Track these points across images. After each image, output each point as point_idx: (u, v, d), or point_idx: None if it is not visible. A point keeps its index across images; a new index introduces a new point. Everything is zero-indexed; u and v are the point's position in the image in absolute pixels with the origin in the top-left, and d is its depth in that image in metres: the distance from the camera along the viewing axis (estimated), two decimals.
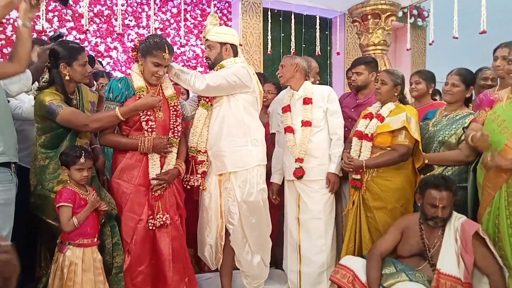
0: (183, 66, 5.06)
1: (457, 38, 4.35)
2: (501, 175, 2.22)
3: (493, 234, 2.24)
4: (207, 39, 2.66)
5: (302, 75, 2.88)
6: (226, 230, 2.64)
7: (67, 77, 2.28)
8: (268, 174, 2.88)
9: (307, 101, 2.82)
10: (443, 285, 2.18)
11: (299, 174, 2.80)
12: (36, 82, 2.48)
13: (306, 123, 2.80)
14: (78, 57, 2.29)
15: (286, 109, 2.90)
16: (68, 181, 2.22)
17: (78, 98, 2.40)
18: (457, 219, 2.30)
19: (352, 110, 3.19)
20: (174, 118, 2.47)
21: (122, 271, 2.32)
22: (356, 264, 2.38)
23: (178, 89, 2.59)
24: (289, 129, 2.86)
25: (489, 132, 2.32)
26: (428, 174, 2.62)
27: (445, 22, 4.63)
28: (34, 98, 2.33)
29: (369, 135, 2.66)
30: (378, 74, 3.04)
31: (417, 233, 2.37)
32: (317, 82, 3.22)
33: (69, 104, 2.28)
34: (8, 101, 2.28)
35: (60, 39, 2.50)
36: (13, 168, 1.93)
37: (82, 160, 2.18)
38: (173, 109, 2.47)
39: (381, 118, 2.68)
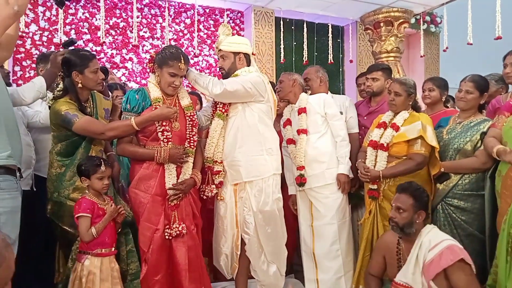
0: None
1: (471, 44, 4.32)
2: None
3: (507, 244, 2.18)
4: (220, 50, 2.69)
5: (299, 90, 3.00)
6: (242, 239, 2.66)
7: (80, 85, 2.33)
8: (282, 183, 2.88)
9: (300, 111, 2.92)
10: None
11: (298, 181, 2.86)
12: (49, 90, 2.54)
13: (301, 131, 2.89)
14: (89, 64, 2.33)
15: (286, 123, 3.02)
16: (86, 191, 2.26)
17: (92, 105, 2.45)
18: (426, 235, 2.20)
19: (365, 118, 3.20)
20: (190, 128, 2.49)
21: (137, 278, 2.35)
22: None
23: (194, 99, 2.63)
24: (289, 141, 2.96)
25: (508, 139, 2.30)
26: (444, 182, 2.60)
27: (459, 28, 4.60)
28: (49, 107, 2.39)
29: (385, 144, 2.65)
30: (391, 82, 3.04)
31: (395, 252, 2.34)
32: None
33: (83, 112, 2.33)
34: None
35: (73, 45, 2.55)
36: (18, 176, 1.92)
37: (103, 168, 2.22)
38: (189, 119, 2.50)
39: (396, 128, 2.66)
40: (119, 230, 2.34)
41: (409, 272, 2.17)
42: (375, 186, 2.66)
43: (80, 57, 2.34)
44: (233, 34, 2.79)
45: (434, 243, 2.16)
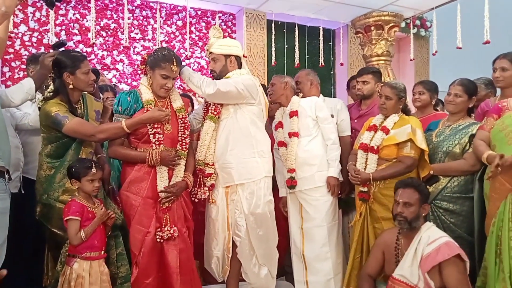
0: None
1: (460, 48, 4.37)
2: (506, 184, 2.21)
3: (496, 246, 2.21)
4: (211, 52, 2.70)
5: (291, 93, 3.01)
6: (233, 242, 2.65)
7: (71, 86, 2.31)
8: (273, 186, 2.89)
9: (292, 114, 2.93)
10: None
11: (289, 184, 2.87)
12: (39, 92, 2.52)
13: (292, 134, 2.90)
14: (80, 65, 2.32)
15: (278, 126, 3.03)
16: (76, 193, 2.24)
17: (82, 107, 2.43)
18: (426, 231, 2.25)
19: (355, 121, 3.23)
20: (182, 130, 2.49)
21: (127, 281, 2.33)
22: None
23: (186, 102, 2.62)
24: (280, 144, 2.97)
25: (496, 142, 2.32)
26: (433, 185, 2.62)
27: (448, 32, 4.65)
28: (39, 108, 2.36)
29: (375, 147, 2.68)
30: (381, 85, 3.06)
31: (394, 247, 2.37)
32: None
33: (73, 113, 2.32)
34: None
35: (63, 47, 2.53)
36: (7, 178, 1.91)
37: (93, 170, 2.20)
38: (181, 122, 2.49)
39: (386, 131, 2.69)
40: (109, 233, 2.32)
41: (406, 265, 2.21)
42: (365, 189, 2.68)
43: (71, 58, 2.33)
44: (224, 37, 2.80)
45: (433, 238, 2.22)
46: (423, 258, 2.18)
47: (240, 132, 2.62)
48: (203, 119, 2.71)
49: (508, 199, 2.20)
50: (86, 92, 2.48)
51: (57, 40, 2.86)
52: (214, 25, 4.22)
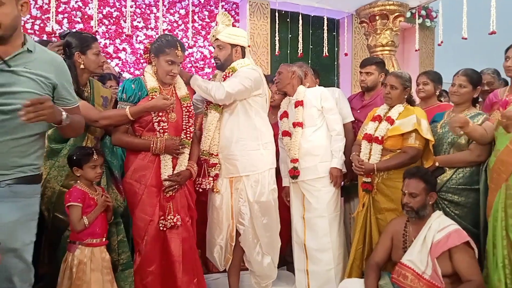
0: (190, 67, 5.12)
1: (466, 38, 4.32)
2: (502, 175, 2.20)
3: (493, 237, 2.23)
4: (217, 39, 2.66)
5: (297, 82, 2.98)
6: (237, 230, 2.66)
7: (81, 66, 2.31)
8: (276, 175, 2.89)
9: (297, 103, 2.91)
10: (403, 276, 2.22)
11: (291, 174, 2.87)
12: None
13: (297, 124, 2.88)
14: (92, 45, 2.33)
15: (283, 115, 3.01)
16: (78, 181, 2.24)
17: (89, 91, 2.43)
18: (436, 219, 2.29)
19: (358, 111, 3.20)
20: (186, 119, 2.47)
21: (128, 268, 2.35)
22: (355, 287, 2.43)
23: (191, 90, 2.60)
24: (285, 133, 2.96)
25: (498, 134, 2.31)
26: (438, 177, 2.61)
27: (454, 22, 4.60)
28: None
29: (380, 138, 2.66)
30: (386, 75, 3.04)
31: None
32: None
33: (80, 95, 2.29)
34: None
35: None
36: None
37: (95, 157, 2.20)
38: (186, 110, 2.48)
39: (391, 121, 2.67)
40: (110, 220, 2.32)
41: (415, 251, 2.24)
42: (369, 179, 2.67)
43: (82, 38, 2.35)
44: (232, 25, 2.76)
45: (443, 225, 2.26)
46: (433, 244, 2.21)
47: (245, 124, 2.62)
48: (206, 109, 2.69)
49: (502, 189, 2.21)
50: (93, 79, 2.47)
51: (62, 30, 2.83)
52: (217, 14, 4.19)
